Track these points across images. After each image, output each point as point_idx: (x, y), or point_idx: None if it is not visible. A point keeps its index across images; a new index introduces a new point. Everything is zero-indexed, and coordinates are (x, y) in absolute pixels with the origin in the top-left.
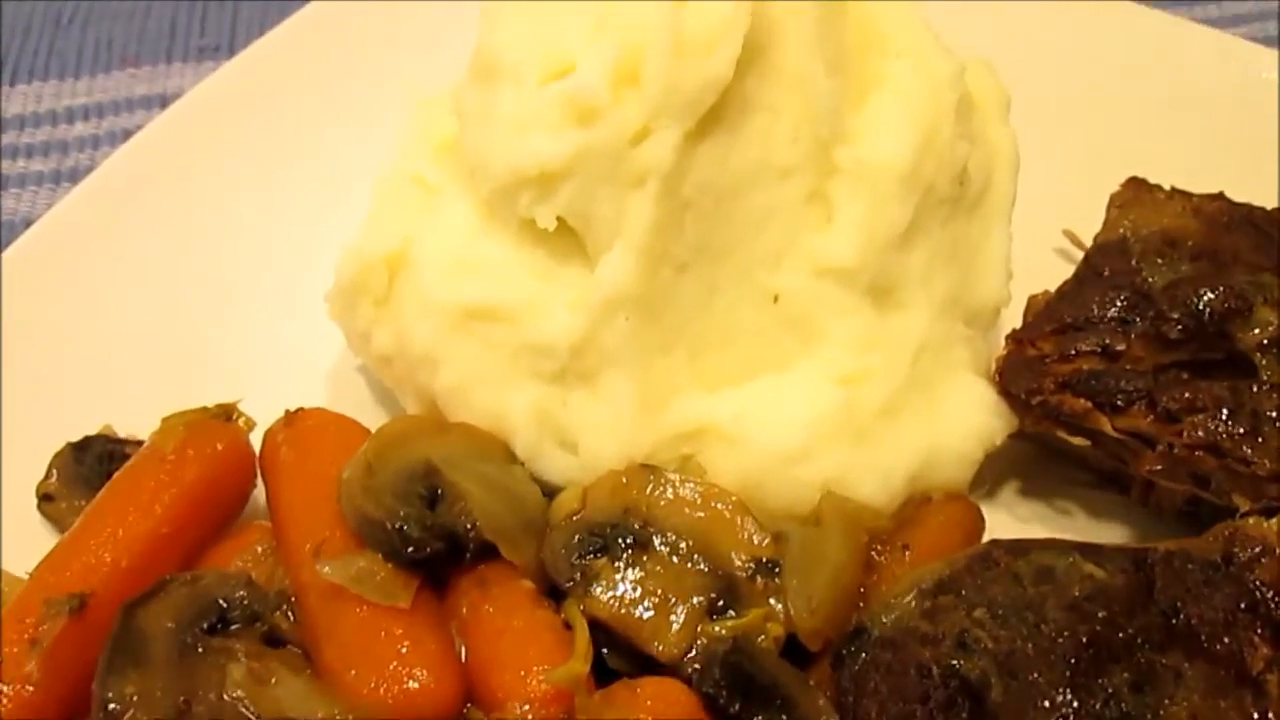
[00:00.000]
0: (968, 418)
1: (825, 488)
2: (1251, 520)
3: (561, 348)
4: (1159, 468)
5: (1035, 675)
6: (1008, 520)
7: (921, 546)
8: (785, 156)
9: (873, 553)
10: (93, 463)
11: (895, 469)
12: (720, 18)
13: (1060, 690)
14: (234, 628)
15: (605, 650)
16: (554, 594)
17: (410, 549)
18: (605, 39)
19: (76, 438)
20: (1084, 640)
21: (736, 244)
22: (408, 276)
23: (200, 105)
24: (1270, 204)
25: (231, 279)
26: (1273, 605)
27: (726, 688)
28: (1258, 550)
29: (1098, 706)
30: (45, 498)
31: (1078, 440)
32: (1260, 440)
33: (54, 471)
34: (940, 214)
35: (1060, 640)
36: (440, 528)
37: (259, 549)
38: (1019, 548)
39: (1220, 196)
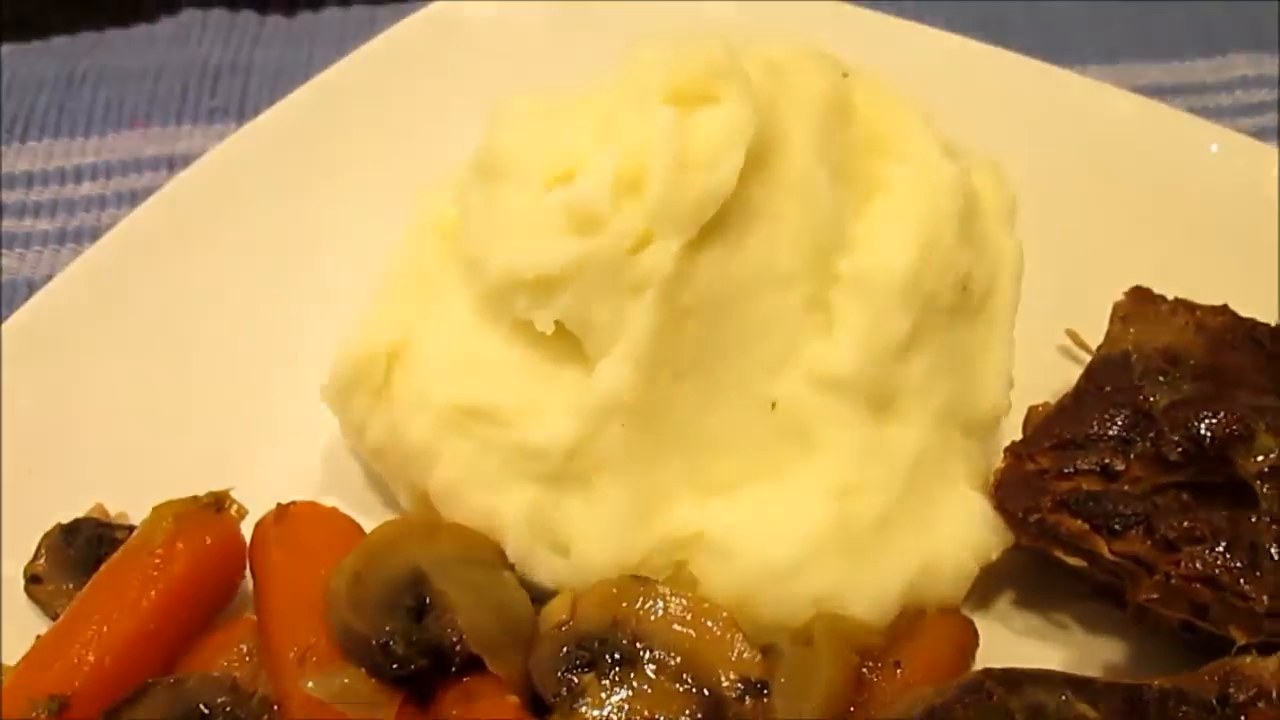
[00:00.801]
0: (963, 532)
1: (818, 603)
2: (1249, 659)
3: (556, 451)
4: (1155, 596)
5: None
6: (1003, 632)
7: (914, 664)
8: (786, 264)
9: (864, 670)
10: (82, 546)
11: (889, 585)
12: (724, 130)
13: None
14: None
15: None
16: (540, 706)
17: (395, 666)
18: (609, 147)
19: (69, 512)
20: None
21: (735, 350)
22: (405, 370)
23: (203, 180)
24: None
25: (232, 357)
26: None
27: None
28: (1254, 693)
29: None
30: (33, 579)
31: (1074, 560)
32: (1258, 575)
33: (43, 553)
34: (940, 322)
35: None
36: (426, 642)
37: (244, 648)
38: (1011, 679)
39: (1224, 310)
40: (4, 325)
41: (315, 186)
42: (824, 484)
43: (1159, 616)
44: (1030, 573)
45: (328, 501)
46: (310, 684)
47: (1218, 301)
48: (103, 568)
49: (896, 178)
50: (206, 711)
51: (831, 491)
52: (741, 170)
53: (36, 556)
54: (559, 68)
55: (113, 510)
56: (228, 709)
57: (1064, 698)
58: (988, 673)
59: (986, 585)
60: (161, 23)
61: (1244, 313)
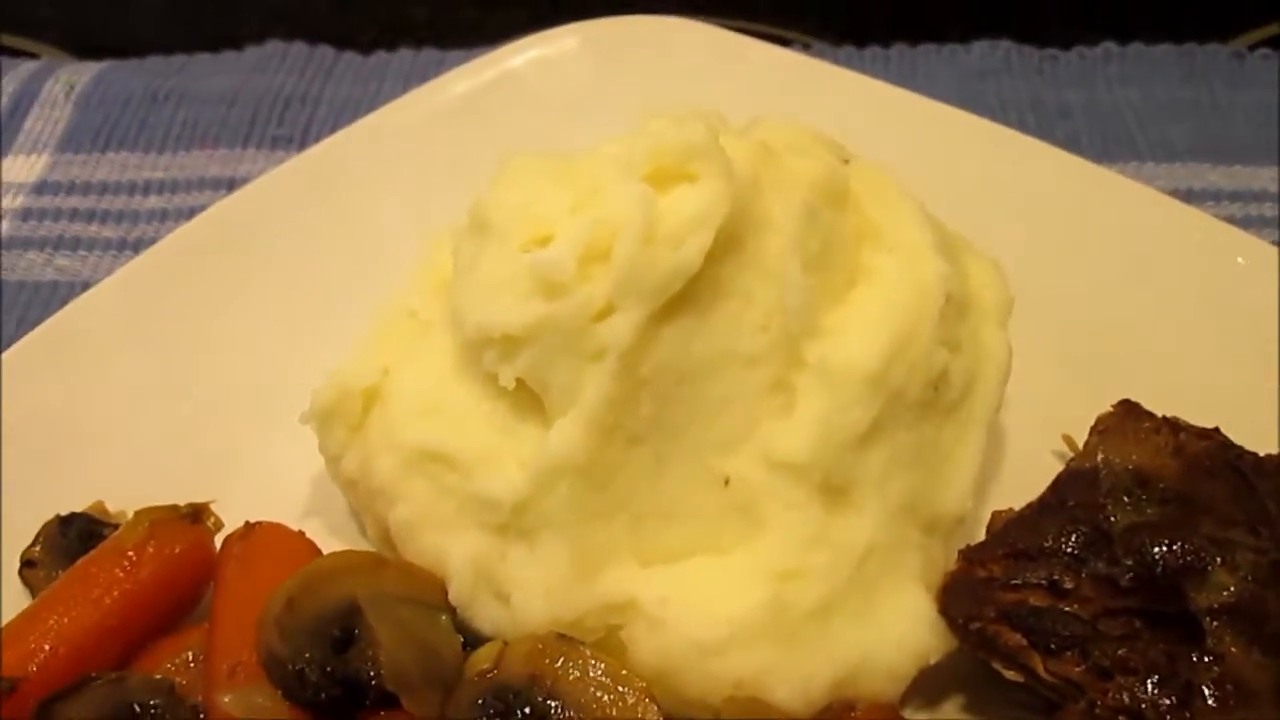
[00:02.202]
0: (904, 631)
1: (740, 685)
2: None
3: (506, 503)
4: None
5: None
6: None
7: None
8: (752, 345)
9: None
10: (74, 538)
11: (818, 675)
12: (696, 209)
13: None
14: None
15: None
16: None
17: (307, 692)
18: (585, 216)
19: (74, 507)
20: None
21: (693, 424)
22: (382, 409)
23: (244, 205)
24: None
25: (247, 375)
26: None
27: None
28: None
29: None
30: (27, 563)
31: (1011, 674)
32: (1186, 714)
33: (39, 540)
34: (907, 418)
35: None
36: (342, 674)
37: (190, 655)
38: None
39: (1211, 434)
40: (44, 324)
41: (350, 221)
42: (766, 566)
43: None
44: (982, 680)
45: (310, 526)
46: (227, 698)
47: (1225, 420)
48: (79, 561)
49: (881, 268)
50: (138, 710)
51: (772, 574)
52: (715, 249)
53: (33, 543)
54: (600, 122)
55: (114, 509)
56: (157, 711)
57: None
58: None
59: (935, 687)
60: (247, 51)
61: (1256, 432)
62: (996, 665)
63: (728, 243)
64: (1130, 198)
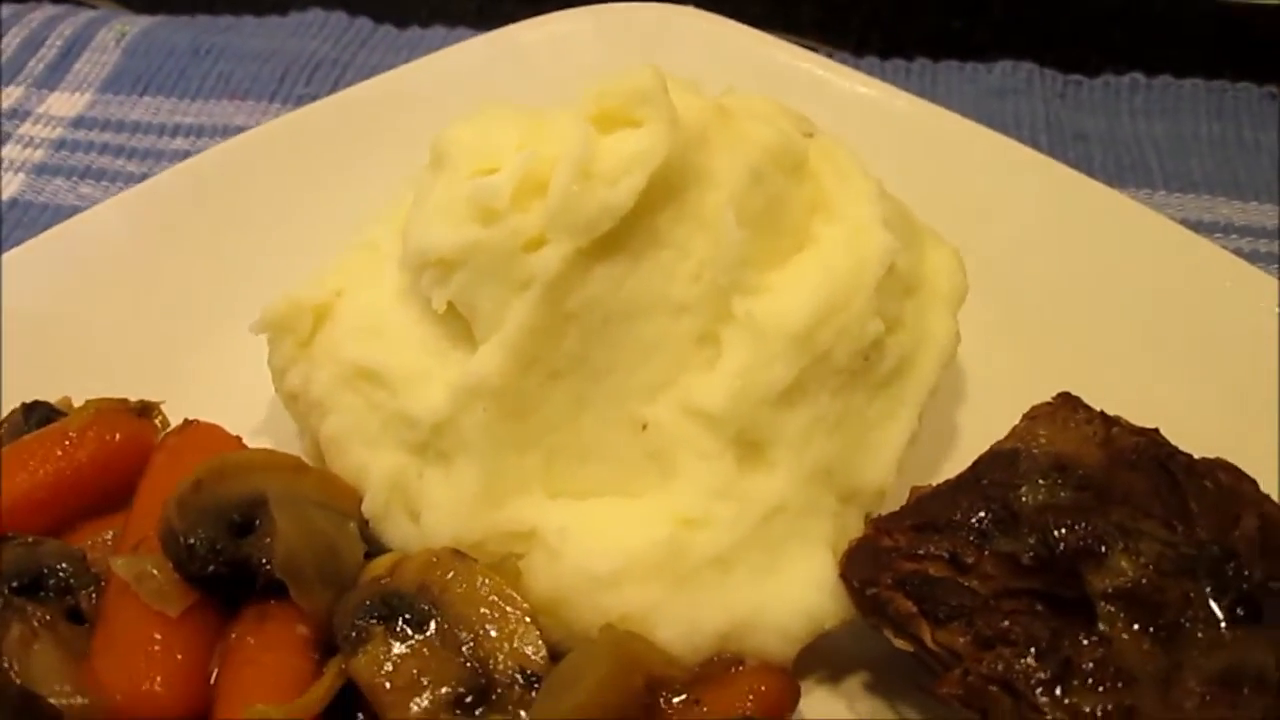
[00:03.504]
0: (802, 592)
1: (625, 620)
2: None
3: (425, 422)
4: (957, 692)
5: None
6: (843, 711)
7: (716, 708)
8: (682, 294)
9: (661, 700)
10: (34, 424)
11: (706, 622)
12: (634, 152)
13: None
14: (45, 595)
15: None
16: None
17: (193, 565)
18: (529, 150)
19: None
20: None
21: (617, 366)
22: (328, 328)
23: (249, 146)
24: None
25: (227, 299)
26: None
27: None
28: None
29: None
30: None
31: (901, 643)
32: (1060, 692)
33: (4, 424)
34: (834, 383)
35: None
36: (233, 555)
37: (111, 535)
38: None
39: (1146, 432)
40: (43, 234)
41: (344, 173)
42: (670, 511)
43: None
44: (897, 662)
45: (258, 443)
46: (120, 562)
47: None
48: (26, 437)
49: (825, 237)
50: (45, 572)
51: (675, 519)
52: (654, 197)
53: None
54: None
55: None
56: (61, 575)
57: None
58: None
59: (845, 662)
60: (290, 16)
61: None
62: (888, 633)
63: (667, 192)
64: (1119, 212)
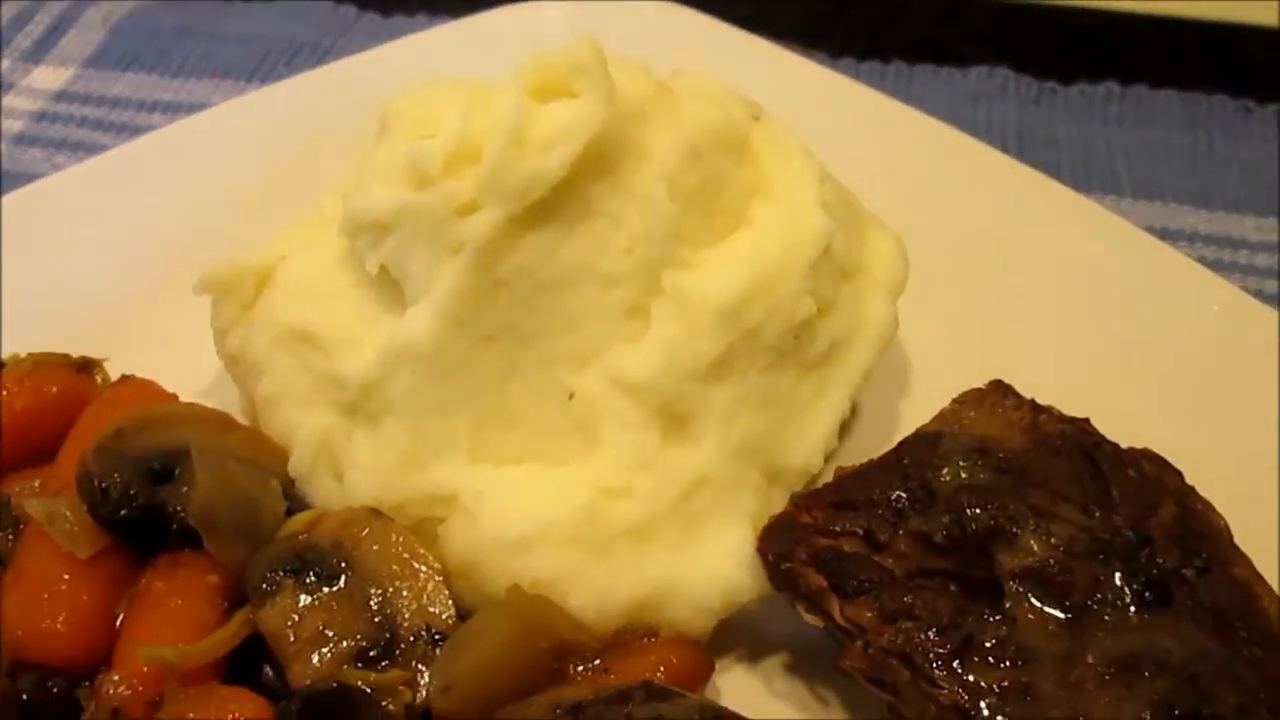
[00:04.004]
0: (718, 567)
1: (537, 585)
2: None
3: (354, 384)
4: (859, 666)
5: None
6: (761, 692)
7: (625, 675)
8: (613, 266)
9: (570, 667)
10: None
11: (619, 591)
12: (568, 121)
13: None
14: None
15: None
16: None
17: (105, 509)
18: (466, 116)
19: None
20: None
21: (546, 334)
22: (269, 291)
23: (214, 119)
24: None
25: (186, 264)
26: None
27: (299, 717)
28: None
29: None
30: None
31: (812, 618)
32: (957, 666)
33: None
34: (762, 361)
35: None
36: (148, 500)
37: (38, 483)
38: (663, 694)
39: (1075, 421)
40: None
41: (302, 149)
42: (591, 480)
43: None
44: (824, 650)
45: (207, 403)
46: (34, 503)
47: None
48: None
49: (761, 217)
50: None
51: (595, 488)
52: (588, 168)
53: None
54: None
55: None
56: None
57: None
58: (647, 684)
59: (769, 645)
60: (275, 1)
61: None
62: (800, 608)
63: (602, 164)
64: (1074, 210)
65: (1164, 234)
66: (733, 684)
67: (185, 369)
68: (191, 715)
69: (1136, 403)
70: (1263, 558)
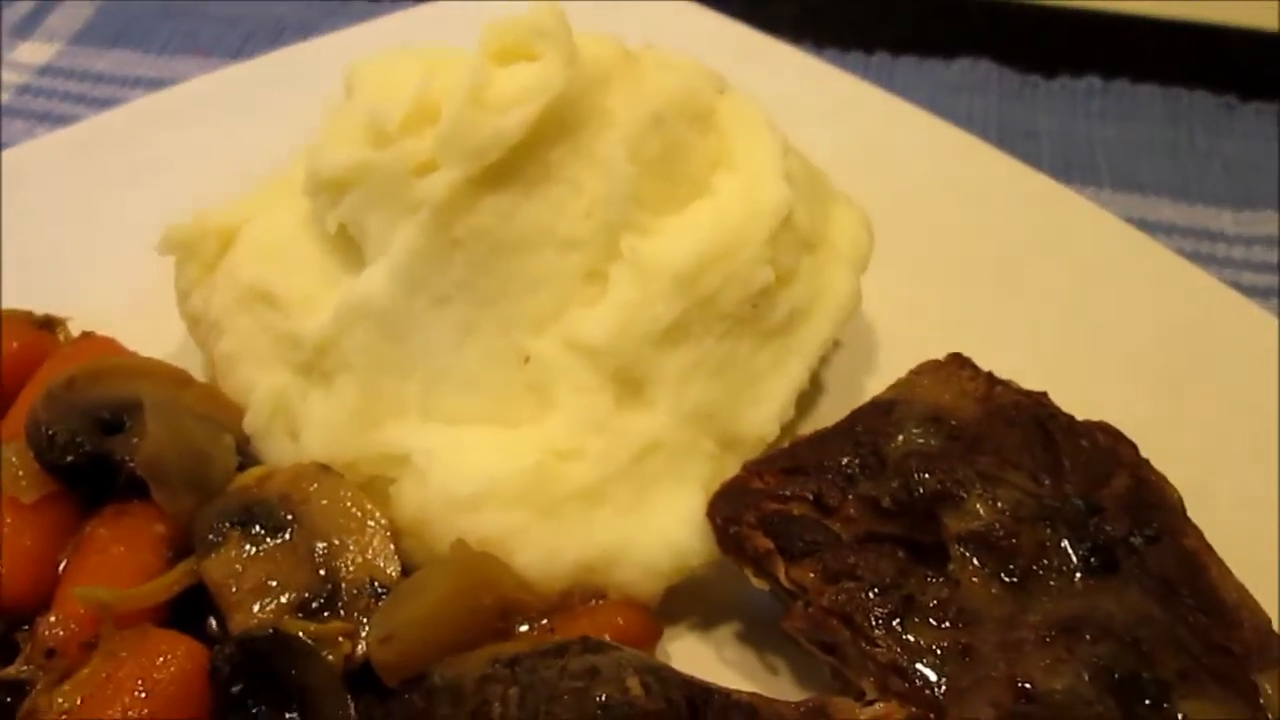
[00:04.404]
0: (668, 529)
1: (484, 543)
2: (840, 700)
3: (310, 343)
4: (801, 627)
5: None
6: (711, 659)
7: (571, 635)
8: (572, 230)
9: (517, 626)
10: None
11: (566, 551)
12: (527, 83)
13: None
14: None
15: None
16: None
17: (51, 454)
18: (427, 78)
19: None
20: None
21: (503, 297)
22: (231, 252)
23: (190, 92)
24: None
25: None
26: None
27: (232, 662)
28: None
29: None
30: None
31: (759, 581)
32: (897, 625)
33: None
34: (719, 328)
35: None
36: (96, 448)
37: None
38: (600, 646)
39: (1031, 394)
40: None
41: (276, 122)
42: (543, 442)
43: None
44: (768, 612)
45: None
46: None
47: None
48: None
49: (722, 186)
50: None
51: (547, 450)
52: (549, 132)
53: None
54: None
55: None
56: None
57: (627, 674)
58: (585, 639)
59: (721, 613)
60: None
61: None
62: (747, 571)
63: (562, 128)
64: (1044, 195)
65: (1142, 225)
66: (682, 650)
67: (152, 332)
68: (123, 654)
69: (1101, 382)
70: (1224, 534)
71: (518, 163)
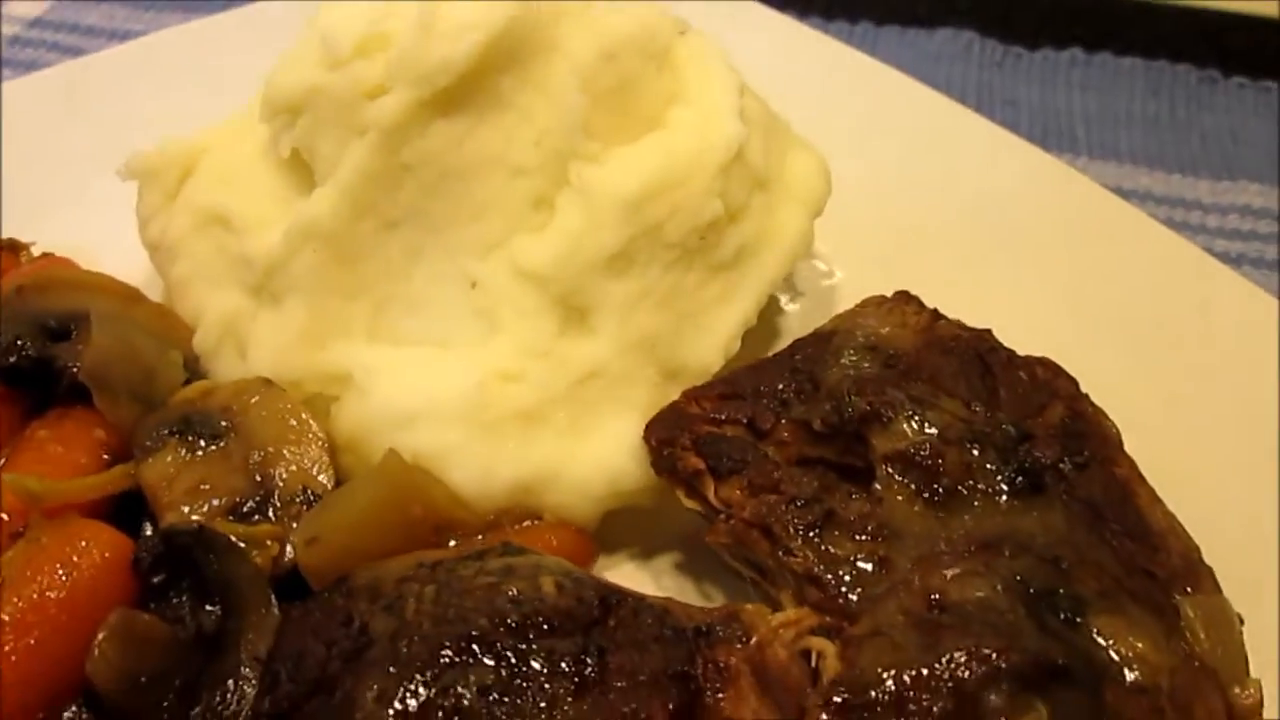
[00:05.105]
0: (605, 454)
1: (419, 458)
2: (753, 606)
3: (261, 264)
4: (724, 540)
5: (407, 645)
6: (647, 584)
7: None
8: (522, 157)
9: (452, 541)
10: None
11: (502, 469)
12: (474, 14)
13: (424, 672)
14: None
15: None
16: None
17: None
18: (385, 8)
19: None
20: (472, 631)
21: (452, 223)
22: (192, 179)
23: (169, 40)
24: None
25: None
26: (700, 691)
27: (154, 552)
28: (739, 634)
29: (459, 698)
30: None
31: (690, 504)
32: (816, 537)
33: None
34: (666, 258)
35: (458, 622)
36: (39, 353)
37: None
38: (519, 550)
39: (972, 330)
40: None
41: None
42: (486, 364)
43: None
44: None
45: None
46: None
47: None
48: None
49: (675, 120)
50: None
51: (489, 372)
52: (500, 60)
53: None
54: None
55: None
56: None
57: (543, 574)
58: (507, 543)
59: (665, 540)
60: None
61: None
62: (680, 494)
63: (513, 58)
64: (1014, 152)
65: (1117, 193)
66: (619, 576)
67: (119, 264)
68: (44, 539)
69: (1066, 337)
70: (1181, 491)
71: (468, 89)
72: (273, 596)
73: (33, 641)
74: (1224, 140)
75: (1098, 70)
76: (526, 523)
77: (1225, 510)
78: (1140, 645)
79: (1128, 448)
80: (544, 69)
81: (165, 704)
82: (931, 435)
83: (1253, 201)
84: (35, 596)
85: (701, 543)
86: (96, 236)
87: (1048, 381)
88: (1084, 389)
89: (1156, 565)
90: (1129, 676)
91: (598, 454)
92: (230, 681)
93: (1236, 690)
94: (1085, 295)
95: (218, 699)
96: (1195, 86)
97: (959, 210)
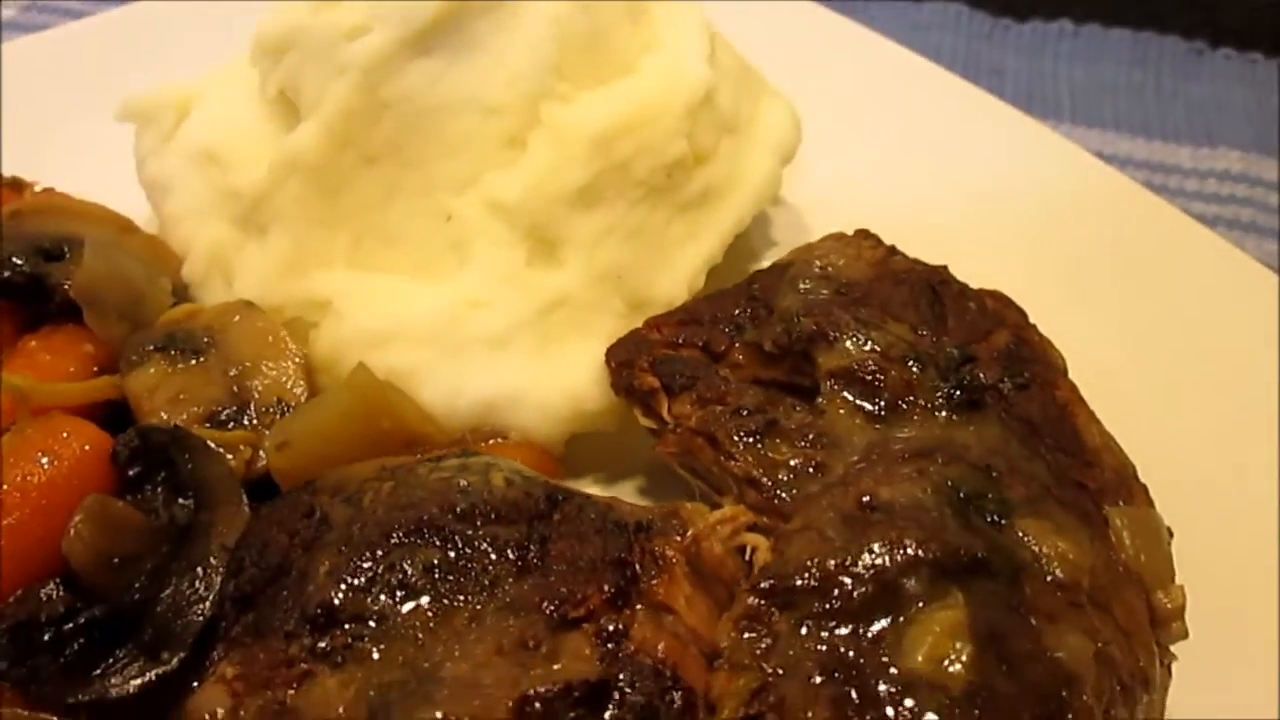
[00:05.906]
0: (569, 376)
1: (391, 375)
2: (693, 504)
3: (248, 196)
4: (671, 450)
5: (360, 528)
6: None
7: None
8: (495, 97)
9: (420, 456)
10: None
11: (469, 388)
12: None
13: (373, 550)
14: None
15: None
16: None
17: None
18: None
19: None
20: (422, 515)
21: (429, 159)
22: (188, 120)
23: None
24: None
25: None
26: (636, 578)
27: (131, 447)
28: (677, 526)
29: (405, 574)
30: None
31: (647, 422)
32: (756, 443)
33: None
34: (633, 194)
35: (409, 509)
36: (33, 271)
37: None
38: (474, 454)
39: (928, 266)
40: None
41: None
42: (457, 292)
43: None
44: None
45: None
46: None
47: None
48: None
49: (646, 66)
50: None
51: (459, 299)
52: (474, 6)
53: None
54: None
55: None
56: None
57: (499, 473)
58: (464, 449)
59: (624, 467)
60: None
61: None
62: (637, 413)
63: (489, 2)
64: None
65: (1099, 157)
66: None
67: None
68: (29, 431)
69: (1049, 296)
70: (1152, 436)
71: (444, 31)
72: (244, 495)
73: (13, 521)
74: (1208, 110)
75: (1085, 41)
76: (492, 441)
77: (1194, 458)
78: (1062, 545)
79: (1100, 400)
80: (517, 12)
81: (137, 585)
82: (875, 353)
83: (1232, 167)
84: (18, 479)
85: (664, 470)
86: (98, 180)
87: (996, 311)
88: (1048, 335)
89: (1089, 478)
90: (1049, 573)
91: (562, 377)
92: (199, 568)
93: (1160, 595)
94: (1060, 251)
95: (186, 583)
96: (1182, 57)
97: (942, 175)
